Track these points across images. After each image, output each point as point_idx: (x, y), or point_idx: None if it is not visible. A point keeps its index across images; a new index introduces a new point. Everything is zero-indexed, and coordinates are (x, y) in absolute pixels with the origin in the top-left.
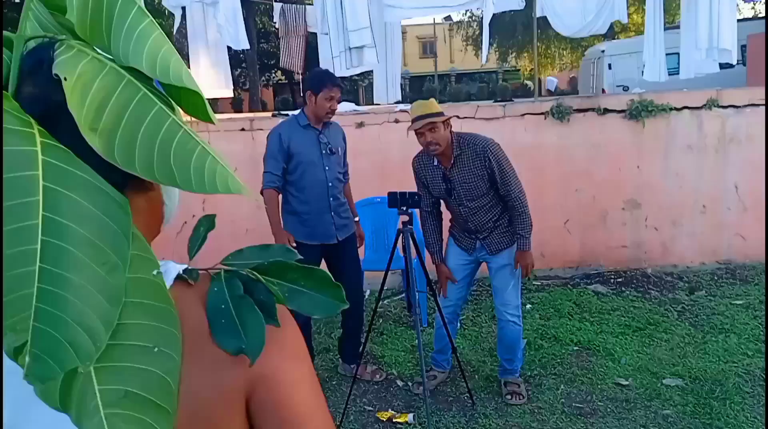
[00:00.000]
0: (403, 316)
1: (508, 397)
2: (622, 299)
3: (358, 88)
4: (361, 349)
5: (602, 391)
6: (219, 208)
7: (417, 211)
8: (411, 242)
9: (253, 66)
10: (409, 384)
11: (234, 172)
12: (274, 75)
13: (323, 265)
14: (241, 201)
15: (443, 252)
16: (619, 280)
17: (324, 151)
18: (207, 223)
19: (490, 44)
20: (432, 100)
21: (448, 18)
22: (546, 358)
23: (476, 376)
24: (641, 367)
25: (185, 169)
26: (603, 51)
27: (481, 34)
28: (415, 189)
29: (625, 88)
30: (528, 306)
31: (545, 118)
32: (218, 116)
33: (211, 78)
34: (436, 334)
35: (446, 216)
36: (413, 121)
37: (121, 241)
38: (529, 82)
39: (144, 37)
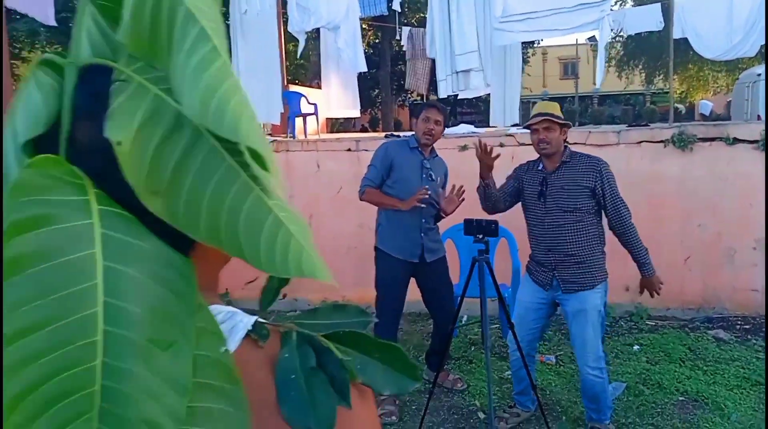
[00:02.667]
0: (497, 345)
1: None
2: (746, 348)
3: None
4: (443, 359)
5: None
6: (322, 223)
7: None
8: (488, 271)
9: (386, 87)
10: (492, 415)
11: (310, 249)
12: (409, 95)
13: (412, 283)
14: (346, 217)
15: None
16: (746, 327)
17: (424, 175)
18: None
19: (635, 65)
20: (555, 104)
21: (592, 38)
22: (645, 406)
23: (563, 418)
24: (753, 425)
25: (254, 241)
26: (759, 74)
27: (614, 57)
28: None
29: None
30: (635, 347)
31: (665, 147)
32: (323, 136)
33: (341, 99)
34: (513, 376)
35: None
36: (532, 117)
37: (186, 317)
38: (679, 105)
39: (203, 66)
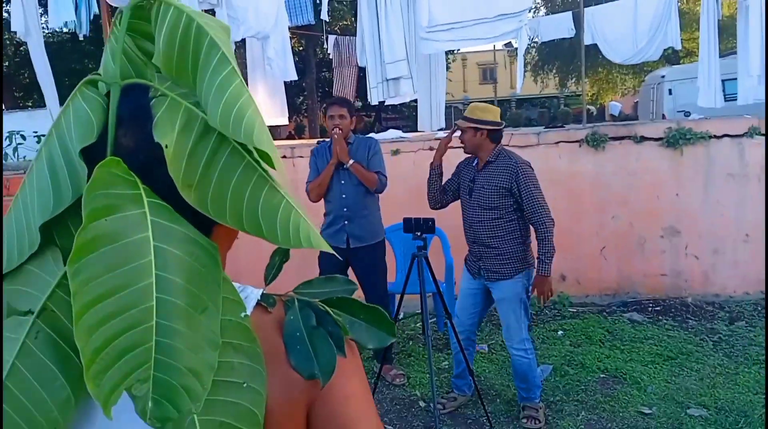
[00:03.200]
0: (434, 338)
1: (524, 421)
2: (658, 328)
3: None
4: (387, 353)
5: (623, 419)
6: None
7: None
8: (426, 267)
9: (312, 94)
10: (430, 405)
11: (314, 227)
12: None
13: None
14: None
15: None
16: (657, 308)
17: (342, 169)
18: (282, 254)
19: (549, 70)
20: (485, 106)
21: (508, 44)
22: (570, 384)
23: (498, 400)
24: (667, 396)
25: (272, 222)
26: (663, 76)
27: (530, 62)
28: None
29: (686, 114)
30: (560, 332)
31: (580, 146)
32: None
33: (268, 107)
34: (454, 359)
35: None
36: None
37: (215, 287)
38: (591, 107)
39: (224, 85)
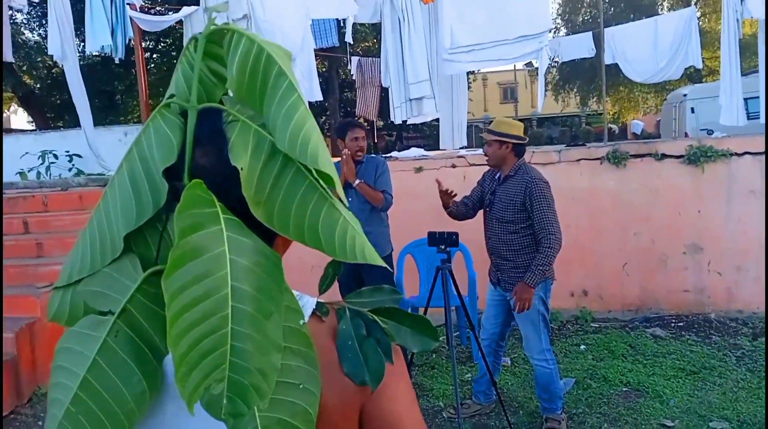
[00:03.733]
0: (457, 351)
1: None
2: (681, 343)
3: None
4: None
5: None
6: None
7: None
8: (450, 279)
9: (335, 114)
10: (459, 415)
11: (368, 243)
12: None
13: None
14: None
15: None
16: (680, 324)
17: (346, 188)
18: (335, 266)
19: (570, 89)
20: (510, 120)
21: (529, 64)
22: (593, 397)
23: (521, 412)
24: (689, 409)
25: (330, 236)
26: (685, 95)
27: (551, 81)
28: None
29: (709, 132)
30: (582, 347)
31: (601, 163)
32: None
33: None
34: (479, 367)
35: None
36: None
37: (279, 295)
38: (613, 126)
39: (291, 111)
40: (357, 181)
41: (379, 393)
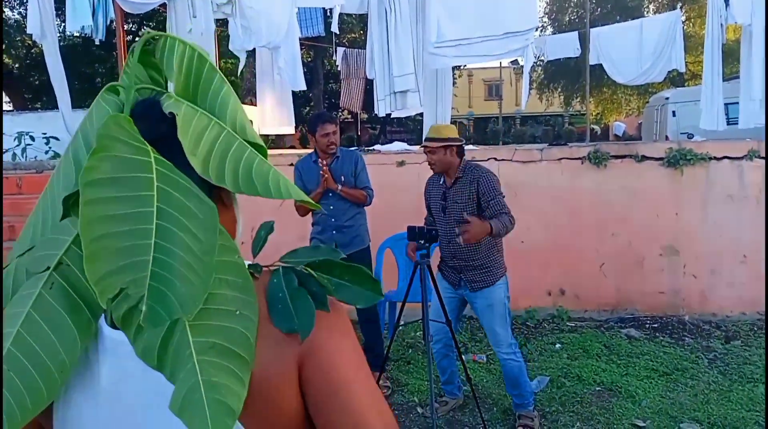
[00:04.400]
0: None
1: None
2: (654, 344)
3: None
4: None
5: None
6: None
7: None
8: (428, 274)
9: (319, 105)
10: (428, 411)
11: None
12: (341, 113)
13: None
14: (288, 230)
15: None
16: (655, 325)
17: (327, 192)
18: (267, 227)
19: (555, 88)
20: (445, 125)
21: (515, 62)
22: (566, 396)
23: (494, 409)
24: (661, 410)
25: (264, 182)
26: (667, 98)
27: (536, 80)
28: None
29: (690, 136)
30: (557, 345)
31: (582, 163)
32: (277, 151)
33: (276, 116)
34: (438, 366)
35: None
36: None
37: (212, 232)
38: (595, 126)
39: (225, 100)
40: (339, 187)
41: (316, 348)
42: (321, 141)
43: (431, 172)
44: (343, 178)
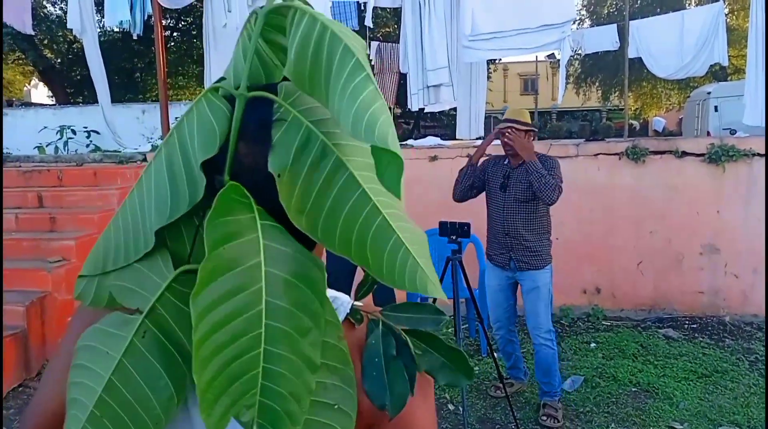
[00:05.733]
0: (465, 344)
1: (544, 418)
2: (693, 345)
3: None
4: None
5: None
6: None
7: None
8: (460, 271)
9: None
10: (460, 408)
11: (425, 267)
12: None
13: (359, 270)
14: None
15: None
16: (693, 326)
17: None
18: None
19: (592, 82)
20: (524, 110)
21: (551, 56)
22: (601, 396)
23: (527, 408)
24: (699, 413)
25: (379, 257)
26: (709, 93)
27: (573, 74)
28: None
29: (732, 132)
30: (593, 344)
31: (620, 159)
32: None
33: None
34: (501, 352)
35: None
36: (502, 121)
37: (318, 309)
38: (634, 122)
39: (358, 91)
40: None
41: (396, 423)
42: None
43: (461, 166)
44: None
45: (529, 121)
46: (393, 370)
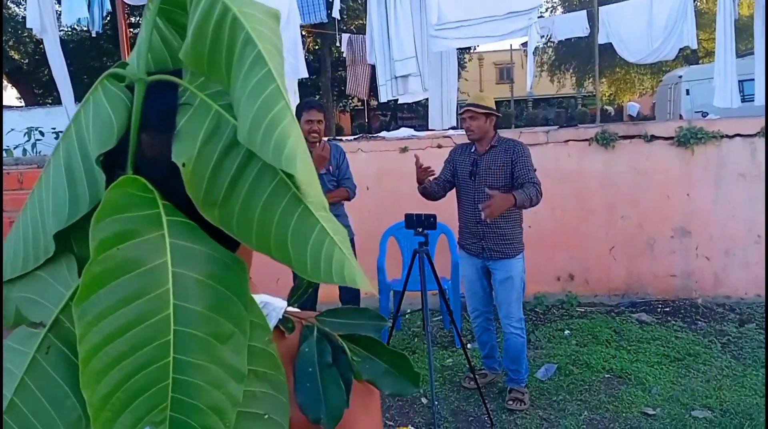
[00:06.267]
0: (439, 336)
1: (510, 402)
2: (666, 329)
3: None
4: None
5: (626, 420)
6: None
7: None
8: (428, 263)
9: (327, 93)
10: (434, 401)
11: (351, 258)
12: (350, 101)
13: None
14: None
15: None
16: (666, 309)
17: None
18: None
19: (566, 69)
20: (485, 95)
21: (525, 44)
22: (574, 384)
23: (500, 399)
24: (672, 397)
25: (301, 250)
26: (680, 76)
27: (547, 62)
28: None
29: (704, 114)
30: (566, 332)
31: (589, 145)
32: None
33: None
34: (478, 341)
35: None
36: (464, 107)
37: (241, 312)
38: (608, 107)
39: (257, 91)
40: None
41: None
42: (303, 128)
43: (434, 159)
44: (330, 167)
45: (491, 106)
46: (328, 378)
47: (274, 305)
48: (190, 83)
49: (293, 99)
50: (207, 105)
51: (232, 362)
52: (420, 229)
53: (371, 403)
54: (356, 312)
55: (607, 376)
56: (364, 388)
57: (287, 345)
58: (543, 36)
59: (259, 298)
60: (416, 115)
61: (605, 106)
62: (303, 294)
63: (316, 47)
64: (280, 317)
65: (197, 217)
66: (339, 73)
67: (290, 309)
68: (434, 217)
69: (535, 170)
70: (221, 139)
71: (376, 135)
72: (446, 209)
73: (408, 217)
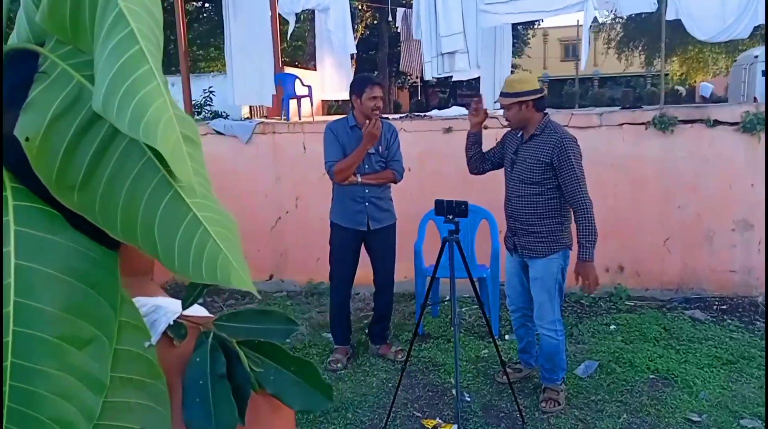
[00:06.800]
0: (477, 325)
1: (543, 404)
2: (721, 328)
3: None
4: (383, 332)
5: (668, 426)
6: (309, 204)
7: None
8: (457, 251)
9: (384, 69)
10: (465, 394)
11: (231, 251)
12: (408, 77)
13: (362, 250)
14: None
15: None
16: (723, 307)
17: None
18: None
19: (635, 47)
20: (520, 76)
21: (594, 20)
22: (615, 383)
23: (534, 396)
24: (720, 403)
25: (170, 242)
26: (756, 56)
27: (614, 38)
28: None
29: None
30: (612, 327)
31: (646, 129)
32: (318, 118)
33: (335, 81)
34: (515, 334)
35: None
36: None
37: (107, 313)
38: (680, 87)
39: (117, 53)
40: (358, 179)
41: None
42: (367, 104)
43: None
44: (380, 148)
45: (525, 89)
46: (219, 393)
47: (166, 309)
48: (51, 52)
49: (347, 74)
50: (68, 75)
51: (89, 370)
52: (450, 217)
53: (277, 419)
54: (260, 315)
55: (651, 376)
56: (267, 403)
57: (178, 354)
58: (608, 12)
59: (152, 300)
60: (475, 93)
61: (677, 87)
62: (197, 296)
63: (374, 21)
64: (170, 322)
65: (65, 207)
66: (397, 48)
67: (189, 314)
68: (465, 204)
69: (582, 169)
70: (80, 112)
71: (421, 113)
72: (491, 192)
73: (438, 203)
